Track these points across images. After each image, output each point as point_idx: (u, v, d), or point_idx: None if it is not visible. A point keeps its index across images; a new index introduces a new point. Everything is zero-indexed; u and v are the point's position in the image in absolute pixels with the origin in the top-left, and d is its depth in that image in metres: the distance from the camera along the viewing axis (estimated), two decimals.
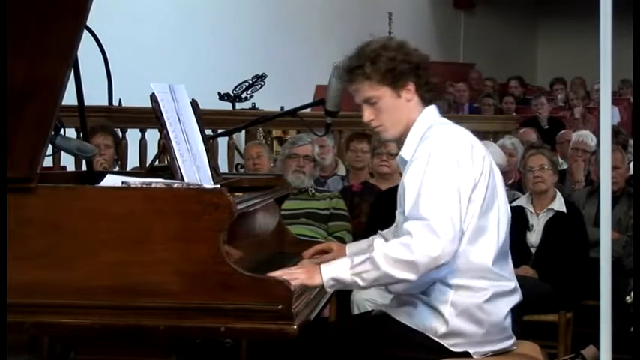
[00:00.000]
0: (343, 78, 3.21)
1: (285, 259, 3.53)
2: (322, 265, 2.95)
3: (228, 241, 2.87)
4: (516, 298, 3.14)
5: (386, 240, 3.40)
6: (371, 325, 3.14)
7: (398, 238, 2.93)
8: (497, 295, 3.05)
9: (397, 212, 3.16)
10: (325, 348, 3.09)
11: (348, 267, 2.91)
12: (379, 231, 3.49)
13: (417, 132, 3.11)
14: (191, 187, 2.97)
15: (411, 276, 2.88)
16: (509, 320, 3.11)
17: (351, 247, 3.54)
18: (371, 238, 3.52)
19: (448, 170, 2.96)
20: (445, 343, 3.02)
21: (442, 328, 3.01)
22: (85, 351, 2.86)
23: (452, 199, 2.93)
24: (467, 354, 3.03)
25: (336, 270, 2.92)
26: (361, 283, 2.91)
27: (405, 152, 3.12)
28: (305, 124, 4.55)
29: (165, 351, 2.82)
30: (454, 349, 3.02)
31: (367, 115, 3.13)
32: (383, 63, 3.07)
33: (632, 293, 4.24)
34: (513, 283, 3.13)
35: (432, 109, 3.16)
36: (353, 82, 3.13)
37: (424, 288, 3.02)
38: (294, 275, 2.90)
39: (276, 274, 2.88)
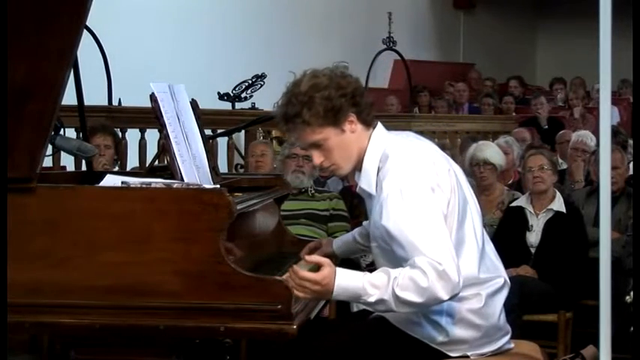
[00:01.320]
0: (281, 128, 3.08)
1: (285, 260, 3.53)
2: (336, 286, 2.84)
3: (227, 241, 2.87)
4: (506, 289, 3.12)
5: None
6: (369, 329, 3.12)
7: (411, 274, 2.81)
8: (490, 296, 3.04)
9: (372, 245, 3.10)
10: (325, 349, 3.08)
11: (359, 297, 2.85)
12: (363, 222, 3.49)
13: (373, 161, 3.01)
14: (191, 187, 2.97)
15: (414, 310, 2.90)
16: (503, 317, 3.10)
17: (338, 241, 3.56)
18: (355, 230, 3.54)
19: (426, 201, 2.88)
20: (443, 349, 3.01)
21: (440, 337, 3.00)
22: (84, 351, 2.86)
23: (442, 231, 2.87)
24: (465, 356, 3.03)
25: (347, 296, 2.89)
26: (367, 308, 2.95)
27: (365, 184, 3.03)
28: None
29: (165, 351, 2.83)
30: (452, 355, 3.02)
31: (316, 158, 3.03)
32: (319, 105, 2.94)
33: (631, 293, 4.23)
34: (502, 278, 3.11)
35: (379, 131, 3.06)
36: (293, 130, 3.02)
37: None
38: (305, 291, 2.83)
39: (290, 283, 2.83)
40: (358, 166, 3.05)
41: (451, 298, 2.86)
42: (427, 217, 2.87)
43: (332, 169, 3.07)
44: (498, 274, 3.11)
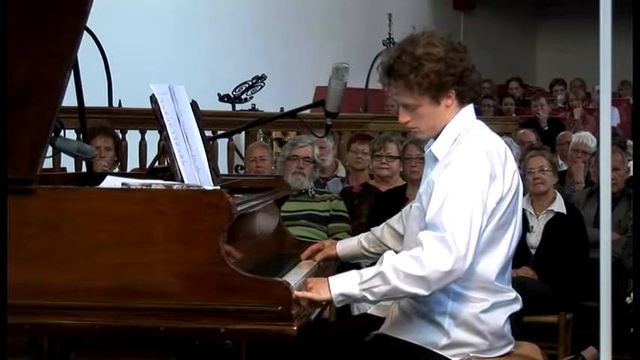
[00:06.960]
0: (381, 78, 3.09)
1: (285, 261, 3.53)
2: (330, 280, 2.88)
3: (228, 242, 2.87)
4: (516, 306, 3.12)
5: (377, 237, 3.40)
6: (371, 346, 3.09)
7: (409, 251, 2.88)
8: (495, 306, 3.03)
9: (414, 205, 3.11)
10: (326, 352, 3.08)
11: (357, 282, 2.86)
12: (371, 229, 3.49)
13: (452, 131, 3.04)
14: (191, 188, 2.97)
15: (422, 291, 2.84)
16: (508, 326, 3.10)
17: (342, 243, 3.54)
18: (361, 235, 3.52)
19: (480, 183, 2.90)
20: (447, 354, 3.00)
21: (443, 340, 2.99)
22: (85, 352, 2.85)
23: (476, 214, 2.87)
24: (467, 357, 3.02)
25: (344, 285, 2.87)
26: (371, 297, 2.87)
27: (436, 149, 3.05)
28: (305, 125, 4.55)
29: (165, 352, 2.82)
30: (455, 359, 3.01)
31: (403, 117, 3.07)
32: (426, 77, 2.97)
33: (632, 294, 4.24)
34: (514, 294, 3.11)
35: (469, 110, 3.09)
36: (392, 85, 3.04)
37: None
38: (305, 295, 2.86)
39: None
40: (436, 135, 3.08)
41: (456, 277, 2.83)
42: (470, 197, 2.88)
43: (414, 130, 3.13)
44: (511, 290, 3.11)
